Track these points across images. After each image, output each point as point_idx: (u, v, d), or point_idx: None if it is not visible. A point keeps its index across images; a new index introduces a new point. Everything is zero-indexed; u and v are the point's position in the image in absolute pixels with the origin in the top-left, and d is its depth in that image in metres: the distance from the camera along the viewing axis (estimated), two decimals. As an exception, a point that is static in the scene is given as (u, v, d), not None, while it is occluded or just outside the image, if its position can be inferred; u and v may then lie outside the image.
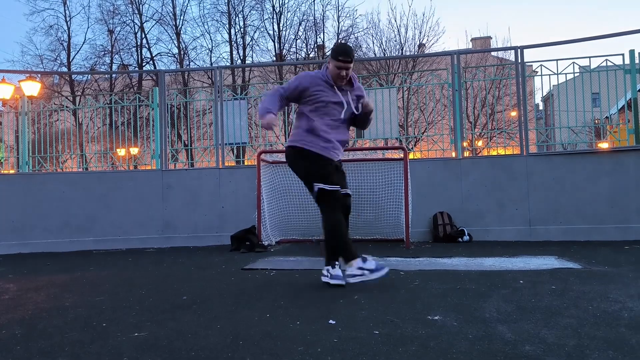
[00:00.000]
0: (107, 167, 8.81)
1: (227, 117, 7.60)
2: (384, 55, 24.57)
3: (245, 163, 8.94)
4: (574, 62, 6.93)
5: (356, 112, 3.75)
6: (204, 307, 3.12)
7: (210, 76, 22.89)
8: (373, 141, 7.88)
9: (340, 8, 28.09)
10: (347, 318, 2.72)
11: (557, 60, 6.97)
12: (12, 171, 9.57)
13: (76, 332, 2.61)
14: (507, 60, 16.52)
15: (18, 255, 6.87)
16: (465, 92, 8.20)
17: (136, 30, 26.30)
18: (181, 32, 26.35)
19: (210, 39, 32.83)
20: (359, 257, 3.59)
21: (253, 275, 4.31)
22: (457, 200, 6.84)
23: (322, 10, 31.42)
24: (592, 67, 7.01)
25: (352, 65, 3.62)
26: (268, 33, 25.91)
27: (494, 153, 10.24)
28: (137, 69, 26.04)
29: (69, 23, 26.10)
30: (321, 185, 3.58)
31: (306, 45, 25.99)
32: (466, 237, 6.54)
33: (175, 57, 26.27)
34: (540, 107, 29.17)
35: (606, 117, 8.23)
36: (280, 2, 25.73)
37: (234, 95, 8.01)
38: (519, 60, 6.98)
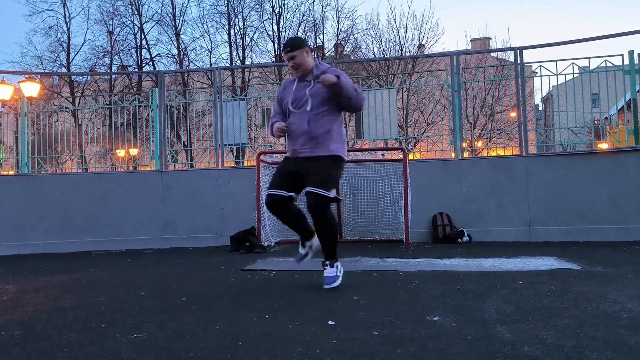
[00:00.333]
0: (107, 168, 8.81)
1: (226, 118, 7.60)
2: (384, 56, 24.57)
3: (245, 164, 8.94)
4: (573, 63, 6.93)
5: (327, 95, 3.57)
6: (203, 308, 3.12)
7: (209, 77, 22.88)
8: (373, 142, 7.88)
9: (339, 9, 28.13)
10: (346, 319, 2.72)
11: (556, 61, 6.98)
12: (11, 172, 9.57)
13: (75, 334, 2.61)
14: (507, 61, 16.53)
15: (17, 256, 6.87)
16: (465, 92, 8.20)
17: (136, 31, 26.29)
18: (181, 33, 26.34)
19: (210, 39, 32.78)
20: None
21: (252, 276, 4.31)
22: (456, 201, 6.84)
23: (322, 11, 31.37)
24: (591, 67, 7.02)
25: (294, 53, 3.57)
26: (268, 34, 25.91)
27: (494, 154, 10.24)
28: (136, 69, 26.03)
29: (68, 24, 26.07)
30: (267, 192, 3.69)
31: (306, 46, 25.95)
32: (466, 238, 6.54)
33: (174, 58, 26.27)
34: (540, 108, 29.20)
35: (606, 117, 8.23)
36: (280, 3, 25.75)
37: (233, 96, 8.01)
38: (519, 61, 6.99)
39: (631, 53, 6.79)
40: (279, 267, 4.75)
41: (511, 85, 9.64)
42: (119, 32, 26.44)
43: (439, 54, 14.61)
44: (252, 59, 25.75)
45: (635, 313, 2.70)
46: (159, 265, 5.33)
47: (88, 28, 33.65)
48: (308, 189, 3.45)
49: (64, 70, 25.23)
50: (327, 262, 3.63)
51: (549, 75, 7.01)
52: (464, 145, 7.41)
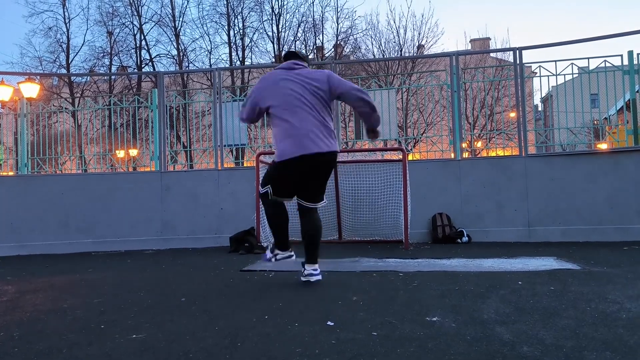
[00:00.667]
0: (106, 168, 8.81)
1: (226, 119, 7.60)
2: (383, 56, 24.58)
3: (244, 164, 8.93)
4: (572, 63, 6.93)
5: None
6: (202, 308, 3.12)
7: (209, 78, 22.89)
8: (372, 142, 7.87)
9: (339, 9, 28.15)
10: (346, 319, 2.72)
11: (555, 61, 6.98)
12: (11, 173, 9.57)
13: (74, 334, 2.61)
14: (506, 62, 16.53)
15: (17, 257, 6.87)
16: (464, 93, 8.21)
17: (135, 32, 26.29)
18: (180, 33, 26.35)
19: (209, 40, 32.81)
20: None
21: (252, 277, 4.31)
22: (456, 201, 6.84)
23: (321, 11, 31.40)
24: (591, 68, 7.02)
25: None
26: (267, 34, 25.92)
27: (493, 154, 10.24)
28: (136, 70, 26.03)
29: (68, 25, 26.06)
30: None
31: (305, 47, 25.99)
32: (465, 238, 6.55)
33: (174, 58, 26.27)
34: (540, 108, 29.20)
35: (605, 118, 8.24)
36: (280, 4, 25.76)
37: (233, 97, 8.01)
38: (518, 62, 6.99)
39: (630, 53, 6.79)
40: (279, 267, 4.73)
41: (510, 86, 9.65)
42: (119, 32, 26.46)
43: (439, 54, 14.62)
44: (251, 59, 25.77)
45: (634, 313, 2.69)
46: (158, 266, 5.33)
47: (87, 29, 33.65)
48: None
49: (64, 71, 25.24)
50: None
51: (548, 76, 7.01)
52: (464, 145, 7.42)
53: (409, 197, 6.28)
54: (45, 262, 6.08)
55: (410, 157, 7.82)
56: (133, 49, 26.47)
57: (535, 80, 7.45)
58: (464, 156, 7.13)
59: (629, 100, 6.97)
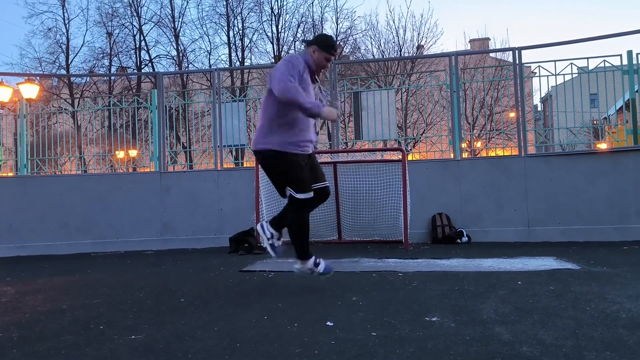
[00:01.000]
0: (106, 169, 8.80)
1: (225, 119, 7.60)
2: (383, 56, 24.57)
3: (244, 165, 8.93)
4: (572, 63, 6.93)
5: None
6: (201, 309, 3.12)
7: (208, 78, 22.88)
8: (372, 143, 7.88)
9: (338, 10, 28.13)
10: (345, 320, 2.71)
11: (555, 61, 6.99)
12: (10, 174, 9.56)
13: (73, 335, 2.61)
14: (506, 62, 16.53)
15: (16, 258, 6.86)
16: (464, 93, 8.21)
17: (135, 33, 26.26)
18: (180, 34, 26.34)
19: (209, 41, 32.74)
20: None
21: (251, 277, 4.31)
22: (455, 201, 6.84)
23: (321, 12, 31.49)
24: (590, 67, 7.02)
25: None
26: (267, 35, 25.88)
27: (493, 154, 10.24)
28: (135, 71, 26.03)
29: (67, 26, 26.03)
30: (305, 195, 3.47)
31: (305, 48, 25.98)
32: (465, 238, 6.54)
33: (174, 59, 26.26)
34: (539, 108, 29.21)
35: (604, 117, 8.24)
36: (279, 4, 25.75)
37: (232, 97, 8.02)
38: (517, 62, 6.99)
39: (630, 53, 6.79)
40: (278, 268, 4.74)
41: (510, 86, 9.63)
42: (118, 33, 26.44)
43: (438, 54, 14.62)
44: (251, 60, 25.75)
45: (633, 313, 2.69)
46: (158, 267, 5.33)
47: (87, 30, 33.48)
48: (325, 183, 3.58)
49: (63, 71, 25.24)
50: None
51: (547, 76, 7.01)
52: (463, 145, 7.41)
53: (408, 197, 6.27)
54: (44, 263, 6.08)
55: (409, 157, 7.82)
56: (132, 49, 26.46)
57: (535, 80, 7.45)
58: (463, 156, 7.13)
59: (628, 100, 6.97)
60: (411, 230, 6.37)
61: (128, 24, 26.37)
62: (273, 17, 25.76)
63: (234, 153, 10.07)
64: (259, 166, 6.56)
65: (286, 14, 26.55)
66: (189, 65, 25.82)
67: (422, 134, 17.51)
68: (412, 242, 6.49)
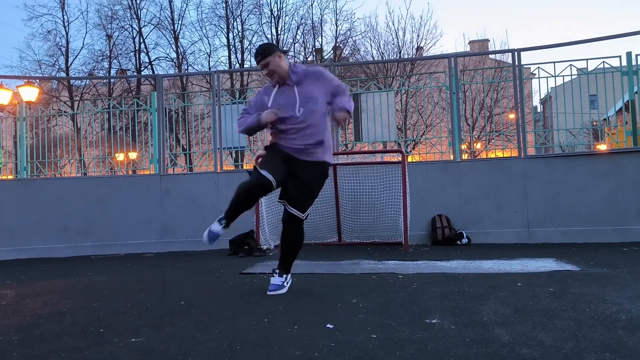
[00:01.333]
0: (106, 172, 8.81)
1: (225, 121, 7.61)
2: (382, 58, 24.59)
3: (244, 167, 8.94)
4: (571, 65, 6.94)
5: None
6: (201, 311, 3.12)
7: (208, 80, 22.89)
8: (371, 144, 7.89)
9: (338, 12, 28.14)
10: (345, 322, 2.71)
11: (554, 62, 6.99)
12: (10, 176, 9.56)
13: (73, 338, 2.60)
14: (505, 63, 16.54)
15: (16, 260, 6.85)
16: (463, 94, 8.21)
17: (134, 35, 26.29)
18: (179, 36, 26.37)
19: (209, 43, 32.81)
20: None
21: (251, 280, 4.31)
22: (455, 202, 6.83)
23: (320, 14, 31.53)
24: (589, 69, 7.03)
25: (266, 60, 3.42)
26: (266, 37, 25.90)
27: (492, 155, 10.24)
28: (135, 73, 26.04)
29: (67, 28, 26.07)
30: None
31: (304, 49, 26.03)
32: (465, 240, 6.54)
33: (173, 61, 26.29)
34: (539, 110, 29.23)
35: (604, 119, 8.25)
36: (278, 6, 25.78)
37: (232, 99, 8.02)
38: (517, 63, 7.00)
39: (629, 54, 6.80)
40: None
41: (509, 87, 9.62)
42: (118, 36, 26.48)
43: (437, 56, 14.63)
44: (250, 62, 25.75)
45: (633, 314, 2.69)
46: (158, 269, 5.33)
47: (87, 32, 33.48)
48: (290, 208, 3.49)
49: (63, 74, 25.25)
50: (278, 271, 3.63)
51: (547, 77, 7.02)
52: (463, 147, 7.42)
53: (408, 199, 6.27)
54: (44, 266, 6.07)
55: (409, 159, 7.82)
56: (132, 52, 26.49)
57: (534, 82, 7.47)
58: (463, 158, 7.13)
59: (627, 101, 6.98)
60: (411, 232, 6.37)
61: (128, 26, 26.43)
62: (272, 19, 25.82)
63: (233, 155, 10.07)
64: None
65: (286, 15, 26.51)
66: (189, 68, 25.85)
67: (421, 136, 17.53)
68: (412, 244, 6.49)
